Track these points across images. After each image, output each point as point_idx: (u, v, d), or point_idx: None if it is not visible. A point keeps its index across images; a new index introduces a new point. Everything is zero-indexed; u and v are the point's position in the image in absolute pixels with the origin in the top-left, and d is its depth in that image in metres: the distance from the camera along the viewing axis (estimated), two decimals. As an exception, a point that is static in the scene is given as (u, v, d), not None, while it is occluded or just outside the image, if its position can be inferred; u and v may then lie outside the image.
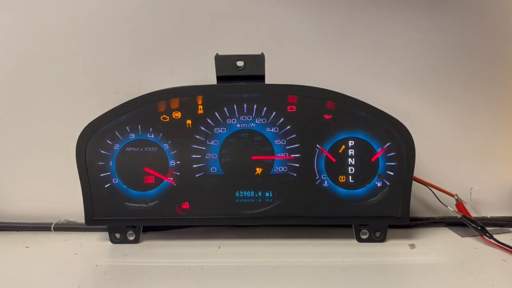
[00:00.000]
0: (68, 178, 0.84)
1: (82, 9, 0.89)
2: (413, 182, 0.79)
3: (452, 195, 0.87)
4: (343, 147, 0.79)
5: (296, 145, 0.79)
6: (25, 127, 0.92)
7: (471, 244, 0.80)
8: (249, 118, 0.79)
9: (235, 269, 0.71)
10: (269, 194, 0.80)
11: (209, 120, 0.79)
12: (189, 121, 0.79)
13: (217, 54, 0.77)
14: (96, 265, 0.73)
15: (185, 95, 0.78)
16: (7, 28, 0.90)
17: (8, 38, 0.90)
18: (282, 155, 0.80)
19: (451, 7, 0.89)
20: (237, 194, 0.80)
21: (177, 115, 0.79)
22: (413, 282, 0.67)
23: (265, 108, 0.78)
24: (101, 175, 0.80)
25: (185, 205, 0.80)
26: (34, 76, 0.91)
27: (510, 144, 0.93)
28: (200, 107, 0.78)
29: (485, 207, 0.93)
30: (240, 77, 0.77)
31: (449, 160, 0.93)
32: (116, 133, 0.79)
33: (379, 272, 0.69)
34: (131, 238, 0.82)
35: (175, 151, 0.80)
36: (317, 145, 0.79)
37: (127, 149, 0.80)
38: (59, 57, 0.91)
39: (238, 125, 0.79)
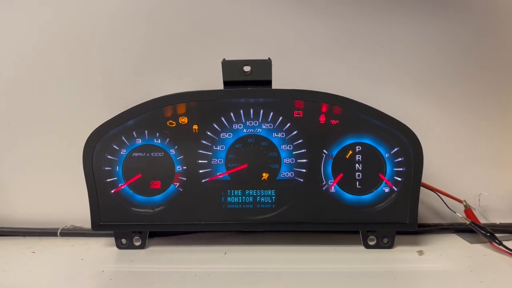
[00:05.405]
0: (75, 184, 0.84)
1: (91, 15, 0.90)
2: (421, 188, 0.78)
3: (460, 201, 0.87)
4: (350, 152, 0.79)
5: (303, 151, 0.79)
6: (32, 132, 0.93)
7: (480, 251, 0.79)
8: (255, 123, 0.79)
9: (242, 275, 0.70)
10: (276, 200, 0.80)
11: (215, 125, 0.79)
12: (195, 126, 0.79)
13: (224, 59, 0.77)
14: (102, 271, 0.73)
15: (191, 100, 0.78)
16: (16, 35, 0.91)
17: (17, 44, 0.91)
18: (288, 160, 0.79)
19: (458, 14, 0.89)
20: (243, 199, 0.80)
21: (184, 120, 0.79)
22: (421, 290, 0.67)
23: (271, 113, 0.78)
24: (108, 180, 0.80)
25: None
26: (42, 82, 0.92)
27: (519, 150, 0.92)
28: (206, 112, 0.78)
29: (494, 213, 0.93)
30: (247, 82, 0.77)
31: (458, 166, 0.92)
32: (123, 138, 0.79)
33: (387, 279, 0.68)
34: (137, 243, 0.82)
35: (182, 156, 0.80)
36: (324, 151, 0.79)
37: (133, 154, 0.80)
38: (66, 62, 0.91)
39: (244, 130, 0.79)
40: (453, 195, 0.86)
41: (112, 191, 0.80)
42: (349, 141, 0.79)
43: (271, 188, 0.80)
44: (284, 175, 0.80)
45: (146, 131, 0.79)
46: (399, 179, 0.78)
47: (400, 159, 0.78)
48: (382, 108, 0.76)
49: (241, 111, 0.78)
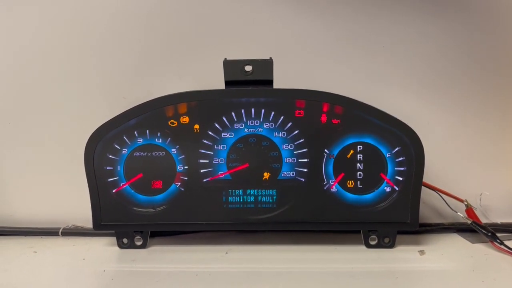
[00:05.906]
0: (76, 183, 0.84)
1: (91, 15, 0.90)
2: (422, 187, 0.78)
3: (461, 201, 0.87)
4: (352, 152, 0.79)
5: (304, 150, 0.79)
6: (34, 132, 0.93)
7: (482, 251, 0.79)
8: (257, 122, 0.79)
9: (243, 275, 0.70)
10: (277, 200, 0.80)
11: (217, 125, 0.79)
12: (196, 126, 0.79)
13: (225, 59, 0.77)
14: (104, 270, 0.73)
15: (193, 100, 0.78)
16: (16, 36, 0.91)
17: (17, 44, 0.91)
18: (290, 160, 0.79)
19: (458, 14, 0.89)
20: (244, 199, 0.80)
21: (185, 119, 0.79)
22: (423, 289, 0.67)
23: (273, 113, 0.78)
24: (109, 180, 0.80)
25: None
26: (43, 82, 0.92)
27: (520, 150, 0.92)
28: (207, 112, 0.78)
29: (495, 212, 0.93)
30: (248, 81, 0.77)
31: (459, 166, 0.92)
32: (124, 138, 0.79)
33: (388, 278, 0.68)
34: (139, 243, 0.82)
35: (183, 156, 0.80)
36: (325, 150, 0.79)
37: (135, 153, 0.80)
38: (68, 62, 0.91)
39: (245, 130, 0.79)
40: (455, 194, 0.86)
41: (114, 191, 0.80)
42: (350, 141, 0.79)
43: (272, 187, 0.80)
44: (285, 174, 0.80)
45: (147, 131, 0.79)
46: (401, 178, 0.78)
47: (401, 158, 0.78)
48: (383, 108, 0.77)
49: (243, 111, 0.78)
